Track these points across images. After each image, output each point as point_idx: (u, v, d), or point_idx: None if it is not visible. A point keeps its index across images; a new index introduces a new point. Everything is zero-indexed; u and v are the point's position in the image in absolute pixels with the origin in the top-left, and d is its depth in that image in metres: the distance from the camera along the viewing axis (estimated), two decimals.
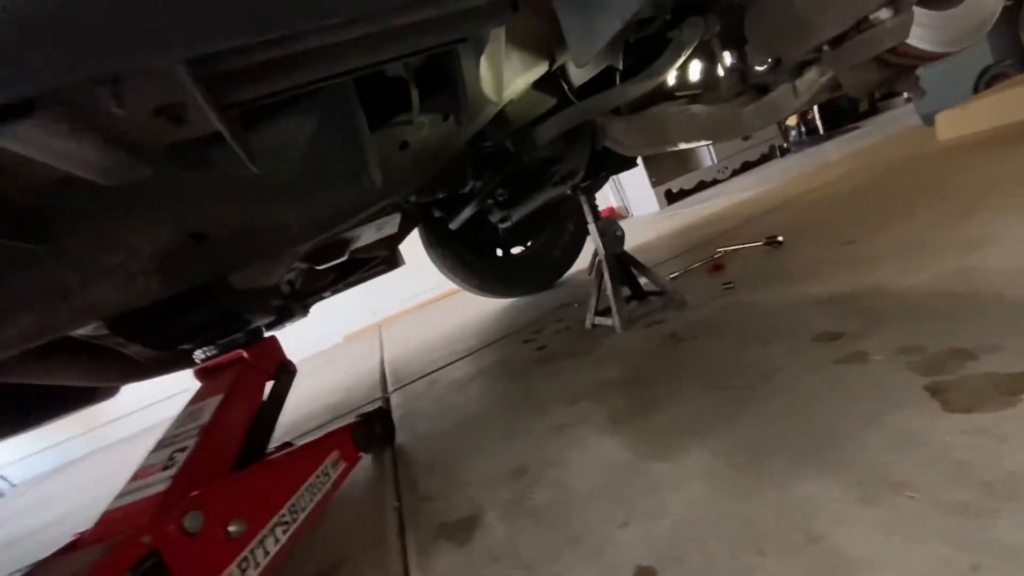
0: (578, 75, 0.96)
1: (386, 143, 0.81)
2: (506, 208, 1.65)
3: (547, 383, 1.06)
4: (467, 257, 2.15)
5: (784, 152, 4.27)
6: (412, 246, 2.07)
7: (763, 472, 0.54)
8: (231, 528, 0.67)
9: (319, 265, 1.31)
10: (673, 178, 4.12)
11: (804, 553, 0.42)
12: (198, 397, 0.87)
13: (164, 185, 0.65)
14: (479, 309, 2.55)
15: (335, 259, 1.31)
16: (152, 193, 0.64)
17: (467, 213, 1.49)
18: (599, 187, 1.33)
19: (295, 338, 2.11)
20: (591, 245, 1.33)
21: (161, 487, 0.67)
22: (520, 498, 0.67)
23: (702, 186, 4.07)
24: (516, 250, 2.35)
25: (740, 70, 0.88)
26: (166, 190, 0.65)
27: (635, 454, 0.66)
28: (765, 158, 4.20)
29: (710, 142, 1.03)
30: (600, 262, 1.30)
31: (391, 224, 1.45)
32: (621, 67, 0.89)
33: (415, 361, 1.96)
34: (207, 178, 0.68)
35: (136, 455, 2.91)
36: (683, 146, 1.03)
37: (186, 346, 0.84)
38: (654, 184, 4.08)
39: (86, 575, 0.51)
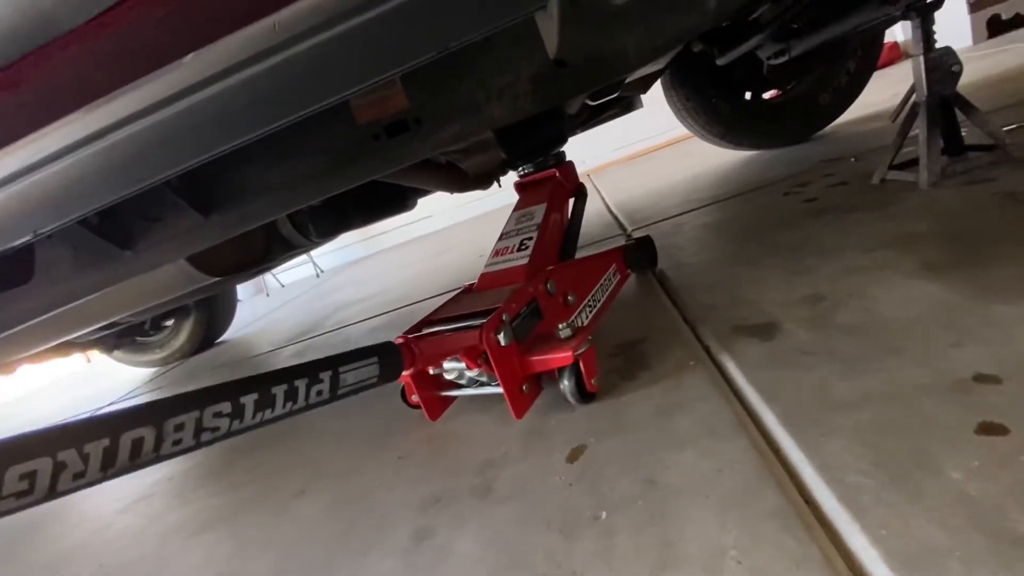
0: None
1: None
2: (787, 39, 1.46)
3: (829, 232, 1.05)
4: (714, 100, 2.01)
5: None
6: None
7: None
8: (568, 297, 0.90)
9: (595, 101, 1.40)
10: None
11: None
12: (524, 203, 1.10)
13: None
14: (709, 161, 2.44)
15: (610, 94, 1.38)
16: (533, 25, 0.77)
17: (749, 45, 1.37)
18: (940, 5, 1.08)
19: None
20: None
21: (523, 261, 0.92)
22: (821, 316, 0.75)
23: None
24: (769, 94, 2.10)
25: None
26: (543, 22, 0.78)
27: (964, 296, 0.67)
28: None
29: None
30: (916, 104, 1.12)
31: (665, 58, 1.43)
32: None
33: (646, 207, 2.04)
34: (571, 10, 0.78)
35: (399, 260, 3.71)
36: None
37: (525, 157, 1.06)
38: (973, 8, 3.02)
39: (506, 300, 0.78)
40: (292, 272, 4.94)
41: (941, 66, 1.06)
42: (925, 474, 0.44)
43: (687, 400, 0.68)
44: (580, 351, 0.72)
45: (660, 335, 0.90)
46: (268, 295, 4.56)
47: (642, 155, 4.32)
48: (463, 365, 0.73)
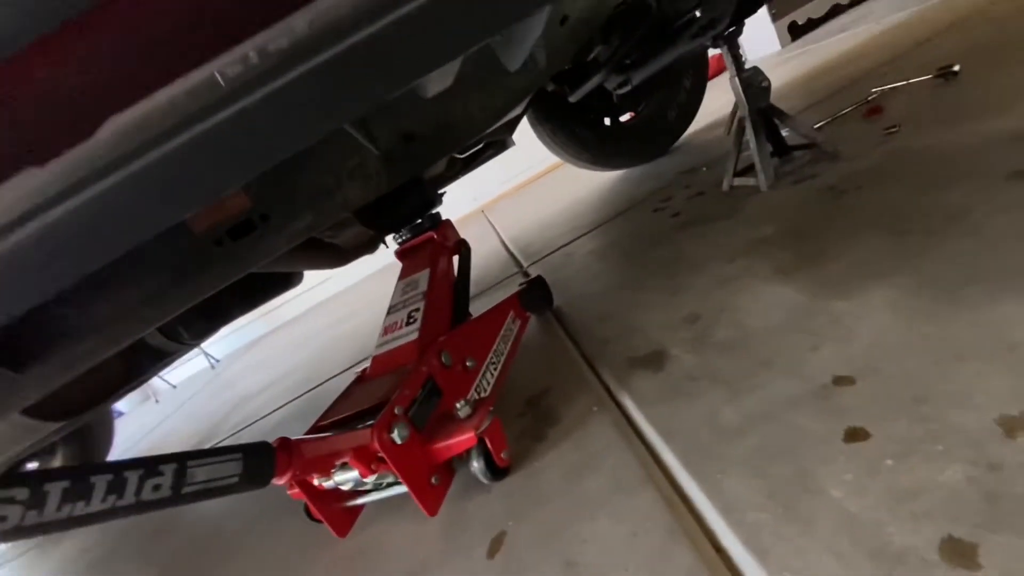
0: None
1: (550, 21, 0.83)
2: (626, 72, 1.59)
3: (696, 245, 1.12)
4: (577, 130, 2.13)
5: None
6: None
7: (955, 301, 0.59)
8: (467, 363, 0.87)
9: (461, 154, 1.41)
10: (798, 6, 3.52)
11: (1006, 358, 0.49)
12: (407, 272, 1.06)
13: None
14: (588, 184, 2.57)
15: (476, 145, 1.40)
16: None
17: (593, 82, 1.46)
18: (740, 33, 1.23)
19: None
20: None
21: (413, 336, 0.88)
22: (701, 336, 0.79)
23: (837, 11, 3.44)
24: (625, 117, 2.27)
25: None
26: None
27: (811, 296, 0.73)
28: None
29: None
30: (742, 119, 1.25)
31: (522, 104, 1.48)
32: None
33: (539, 239, 2.09)
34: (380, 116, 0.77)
35: (301, 334, 3.46)
36: None
37: (391, 231, 1.02)
38: (775, 17, 3.52)
39: (399, 389, 0.73)
40: (183, 368, 4.45)
41: (753, 84, 1.20)
42: (811, 497, 0.46)
43: (595, 454, 0.67)
44: (482, 429, 0.69)
45: (564, 380, 0.89)
46: (158, 401, 4.05)
47: (530, 183, 4.47)
48: (356, 474, 0.66)
